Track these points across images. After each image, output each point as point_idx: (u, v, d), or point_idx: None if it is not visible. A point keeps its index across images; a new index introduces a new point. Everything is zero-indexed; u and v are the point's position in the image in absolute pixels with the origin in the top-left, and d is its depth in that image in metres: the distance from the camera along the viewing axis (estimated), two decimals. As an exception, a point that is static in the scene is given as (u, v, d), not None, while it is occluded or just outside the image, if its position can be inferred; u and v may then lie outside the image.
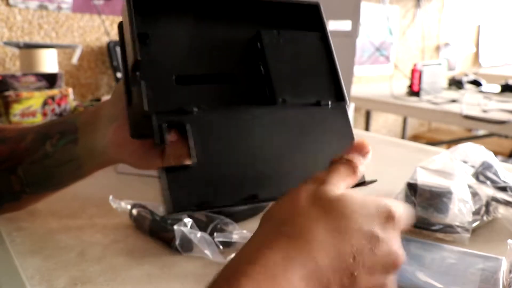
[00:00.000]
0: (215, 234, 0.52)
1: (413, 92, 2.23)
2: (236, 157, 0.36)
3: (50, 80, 1.28)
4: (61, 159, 0.50)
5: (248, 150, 0.36)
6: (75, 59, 1.55)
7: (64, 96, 1.27)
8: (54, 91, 1.25)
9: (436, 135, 3.15)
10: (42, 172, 0.51)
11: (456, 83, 2.53)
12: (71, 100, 1.30)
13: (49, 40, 1.59)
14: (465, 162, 0.66)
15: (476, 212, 0.59)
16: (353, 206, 0.31)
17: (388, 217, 0.32)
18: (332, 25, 1.07)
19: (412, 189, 0.60)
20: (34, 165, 0.51)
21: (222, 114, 0.37)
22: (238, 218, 0.60)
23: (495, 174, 0.64)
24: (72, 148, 0.49)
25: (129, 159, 0.46)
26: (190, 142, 0.35)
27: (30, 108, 1.20)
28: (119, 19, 1.74)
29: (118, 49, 1.71)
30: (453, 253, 0.49)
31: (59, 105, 1.26)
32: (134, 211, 0.58)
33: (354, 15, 0.93)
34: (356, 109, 2.51)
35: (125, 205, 0.59)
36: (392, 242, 0.32)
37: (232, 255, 0.48)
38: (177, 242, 0.51)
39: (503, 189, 0.62)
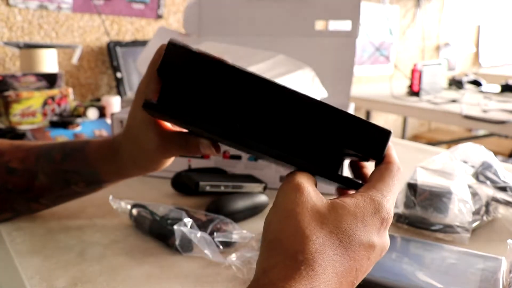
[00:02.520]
0: (215, 234, 0.52)
1: (413, 92, 2.23)
2: None
3: (50, 80, 1.28)
4: (92, 192, 0.57)
5: None
6: (75, 59, 1.55)
7: (64, 96, 1.27)
8: (54, 91, 1.25)
9: (436, 135, 3.15)
10: (73, 198, 0.58)
11: (456, 83, 2.53)
12: (71, 100, 1.30)
13: (49, 40, 1.59)
14: (465, 162, 0.66)
15: (476, 212, 0.59)
16: (348, 217, 0.32)
17: (382, 222, 0.33)
18: (332, 25, 1.07)
19: (412, 189, 0.60)
20: (63, 198, 0.57)
21: None
22: (238, 218, 0.60)
23: (495, 174, 0.64)
24: (104, 185, 0.56)
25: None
26: None
27: (30, 108, 1.20)
28: (119, 19, 1.74)
29: (118, 49, 1.71)
30: (453, 253, 0.49)
31: (59, 105, 1.26)
32: (134, 211, 0.58)
33: (354, 15, 0.94)
34: (356, 109, 2.51)
35: (125, 205, 0.59)
36: (384, 241, 0.33)
37: (233, 256, 0.49)
38: (177, 242, 0.51)
39: (503, 189, 0.62)
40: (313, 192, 0.33)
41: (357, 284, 0.32)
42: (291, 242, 0.30)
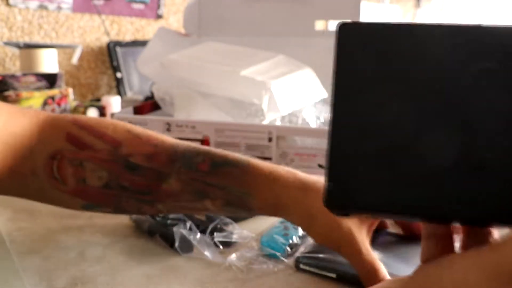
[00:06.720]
0: (215, 234, 0.52)
1: (413, 92, 2.23)
2: None
3: (50, 80, 1.28)
4: (225, 214, 0.52)
5: None
6: (75, 59, 1.55)
7: (64, 96, 1.27)
8: (54, 91, 1.25)
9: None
10: (194, 213, 0.52)
11: (456, 83, 2.54)
12: (71, 100, 1.30)
13: (49, 40, 1.59)
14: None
15: (476, 212, 0.59)
16: None
17: None
18: (332, 25, 1.07)
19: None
20: (185, 210, 0.49)
21: None
22: (238, 218, 0.60)
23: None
24: (246, 211, 0.47)
25: None
26: None
27: (30, 108, 1.20)
28: (119, 19, 1.74)
29: (118, 49, 1.72)
30: (453, 253, 0.49)
31: (59, 105, 1.26)
32: (134, 211, 0.58)
33: (354, 15, 0.93)
34: (356, 109, 2.51)
35: (125, 205, 0.59)
36: None
37: (233, 256, 0.49)
38: (176, 243, 0.51)
39: (503, 189, 0.62)
40: None
41: None
42: None
